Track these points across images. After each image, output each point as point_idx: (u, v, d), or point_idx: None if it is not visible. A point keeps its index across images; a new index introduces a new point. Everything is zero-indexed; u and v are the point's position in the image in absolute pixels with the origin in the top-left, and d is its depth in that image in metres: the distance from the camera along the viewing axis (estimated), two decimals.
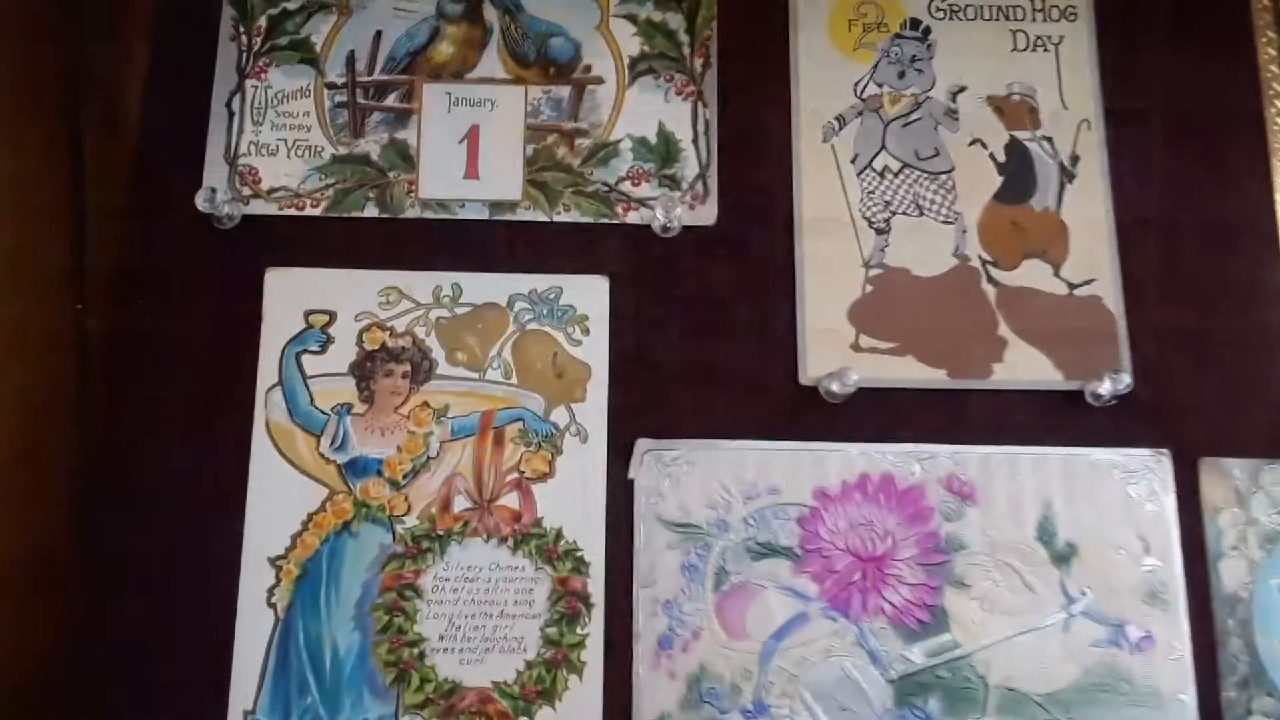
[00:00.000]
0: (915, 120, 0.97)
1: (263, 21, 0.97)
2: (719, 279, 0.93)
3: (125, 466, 0.87)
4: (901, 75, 0.98)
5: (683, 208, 0.93)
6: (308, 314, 0.90)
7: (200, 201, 0.89)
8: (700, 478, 0.87)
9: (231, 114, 0.95)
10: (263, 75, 0.96)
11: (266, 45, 0.96)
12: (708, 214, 0.94)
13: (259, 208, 0.93)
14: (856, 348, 0.91)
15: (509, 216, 0.93)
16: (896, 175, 0.96)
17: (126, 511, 0.86)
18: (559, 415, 0.89)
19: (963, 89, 0.98)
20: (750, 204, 0.95)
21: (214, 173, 0.93)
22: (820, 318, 0.92)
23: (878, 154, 0.96)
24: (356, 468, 0.87)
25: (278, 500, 0.86)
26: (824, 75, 0.98)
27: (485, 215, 0.93)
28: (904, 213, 0.95)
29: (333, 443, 0.87)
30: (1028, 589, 0.86)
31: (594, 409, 0.89)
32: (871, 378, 0.89)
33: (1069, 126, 0.97)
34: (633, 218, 0.94)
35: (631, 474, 0.87)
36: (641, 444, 0.88)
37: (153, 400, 0.88)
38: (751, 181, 0.95)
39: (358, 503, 0.86)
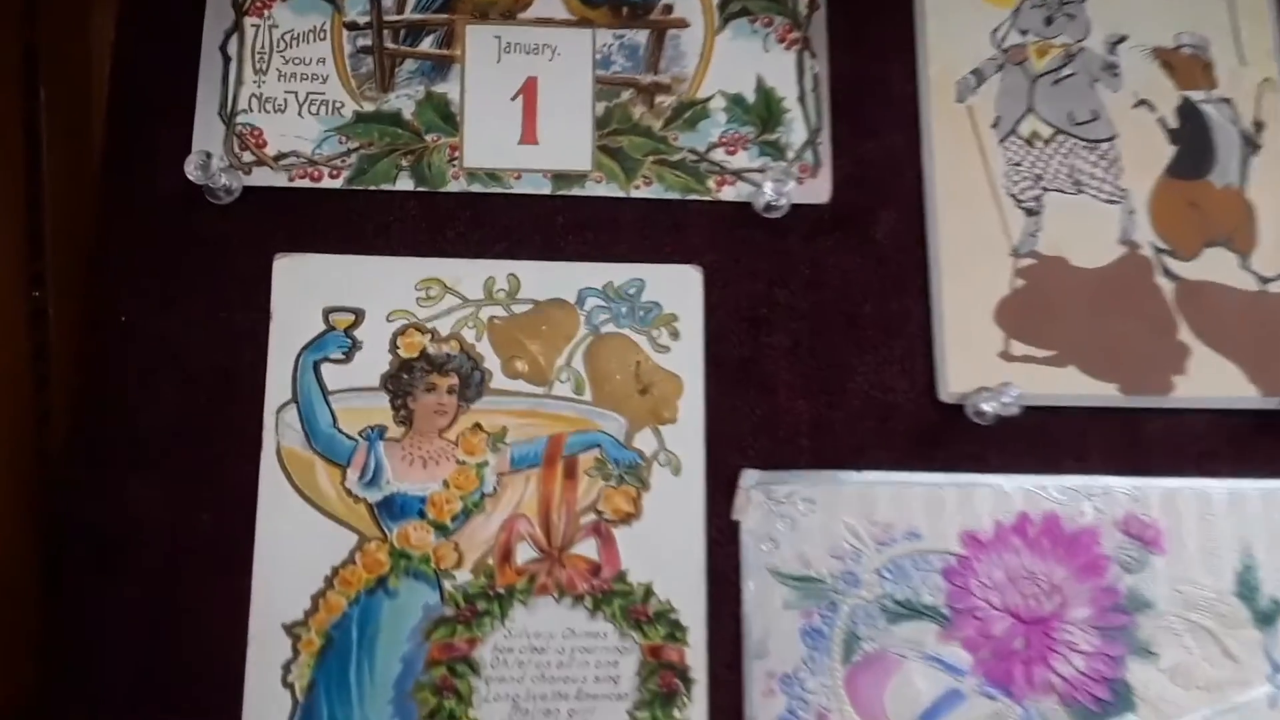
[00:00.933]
0: (1068, 76, 0.80)
1: None
2: (835, 270, 0.75)
3: (98, 511, 0.69)
4: (1049, 21, 0.81)
5: (791, 182, 0.75)
6: (328, 312, 0.72)
7: (190, 169, 0.70)
8: (822, 519, 0.70)
9: (227, 60, 0.76)
10: (266, 12, 0.77)
11: None
12: (819, 189, 0.76)
13: (264, 178, 0.74)
14: (1007, 356, 0.74)
15: (576, 191, 0.75)
16: (1048, 143, 0.78)
17: (101, 568, 0.68)
18: (644, 440, 0.71)
19: (1123, 39, 0.80)
20: (871, 177, 0.77)
21: (207, 134, 0.74)
22: (961, 319, 0.74)
23: (1024, 117, 0.79)
24: (393, 508, 0.69)
25: (294, 551, 0.68)
26: (956, 20, 0.80)
27: (547, 189, 0.75)
28: (1058, 189, 0.77)
29: (362, 476, 0.69)
30: (1228, 658, 0.69)
31: (688, 432, 0.71)
32: (1027, 394, 0.72)
33: (1249, 87, 0.80)
34: (728, 194, 0.76)
35: (736, 515, 0.70)
36: (748, 476, 0.71)
37: (132, 424, 0.70)
38: (872, 150, 0.78)
39: (395, 553, 0.68)
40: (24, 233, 0.78)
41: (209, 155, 0.71)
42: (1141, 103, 0.79)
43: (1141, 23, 0.81)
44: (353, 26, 0.77)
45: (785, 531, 0.70)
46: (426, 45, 0.77)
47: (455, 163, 0.75)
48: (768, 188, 0.75)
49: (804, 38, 0.79)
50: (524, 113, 0.76)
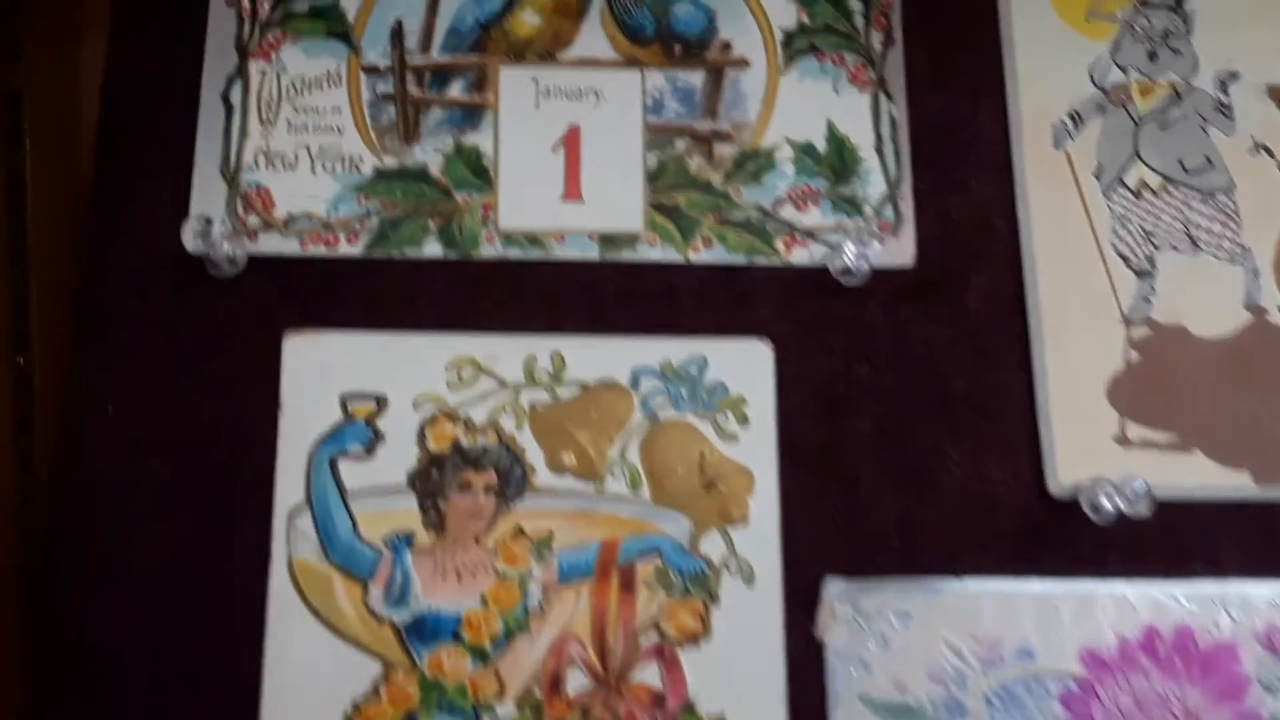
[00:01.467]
0: (1176, 119, 0.71)
1: None
2: (923, 341, 0.66)
3: (79, 627, 0.59)
4: (1152, 57, 0.72)
5: (871, 242, 0.66)
6: (346, 400, 0.63)
7: (188, 238, 0.61)
8: (919, 635, 0.61)
9: (230, 110, 0.67)
10: (274, 54, 0.68)
11: (279, 12, 0.68)
12: (902, 250, 0.67)
13: (272, 244, 0.65)
14: (1122, 441, 0.65)
15: (627, 256, 0.66)
16: (1158, 195, 0.69)
17: (83, 704, 0.58)
18: (711, 545, 0.62)
19: (1234, 76, 0.71)
20: (959, 235, 0.68)
21: (207, 194, 0.65)
22: (1069, 397, 0.65)
23: (1130, 164, 0.70)
24: (424, 630, 0.59)
25: (308, 681, 0.58)
26: (1049, 55, 0.71)
27: (594, 254, 0.66)
28: (1173, 246, 0.68)
29: (388, 593, 0.60)
30: None
31: (761, 535, 0.62)
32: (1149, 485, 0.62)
33: None
34: (799, 256, 0.67)
35: (820, 632, 0.61)
36: (832, 586, 0.61)
37: (119, 529, 0.61)
38: (959, 204, 0.68)
39: (426, 683, 0.59)
40: (7, 290, 0.69)
41: (209, 221, 0.62)
42: (1260, 148, 0.70)
43: (1254, 57, 0.72)
44: (372, 71, 0.68)
45: (877, 652, 0.60)
46: (455, 91, 0.68)
47: (490, 224, 0.66)
48: (845, 250, 0.66)
49: (879, 77, 0.70)
50: (566, 166, 0.67)
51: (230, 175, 0.66)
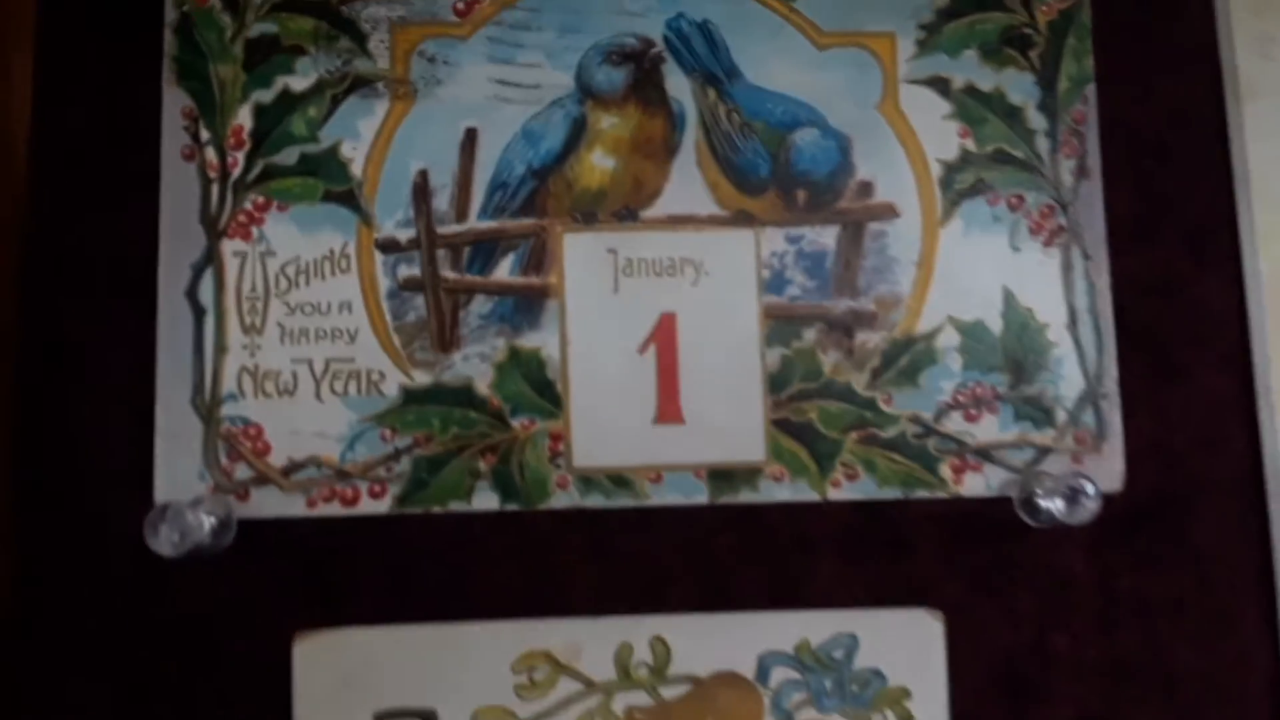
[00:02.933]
0: None
1: (245, 116, 0.50)
2: (1137, 598, 0.50)
3: None
4: None
5: (1064, 462, 0.50)
6: (380, 719, 0.47)
7: (157, 540, 0.44)
8: None
9: (199, 313, 0.49)
10: (256, 230, 0.49)
11: (257, 167, 0.50)
12: (1107, 471, 0.51)
13: (268, 504, 0.48)
14: None
15: (746, 497, 0.49)
16: None
17: None
18: None
19: None
20: (1183, 448, 0.51)
21: (175, 441, 0.48)
22: None
23: None
24: None
25: None
26: None
27: (703, 497, 0.49)
28: None
29: None
30: None
31: None
32: None
33: None
34: (972, 486, 0.50)
35: None
36: None
37: None
38: (1183, 403, 0.51)
39: None
40: None
41: (183, 512, 0.44)
42: None
43: None
44: (390, 247, 0.50)
45: None
46: (505, 270, 0.50)
47: (560, 462, 0.49)
48: (1034, 475, 0.49)
49: (1072, 226, 0.52)
50: (659, 373, 0.50)
51: (205, 408, 0.48)
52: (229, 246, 0.49)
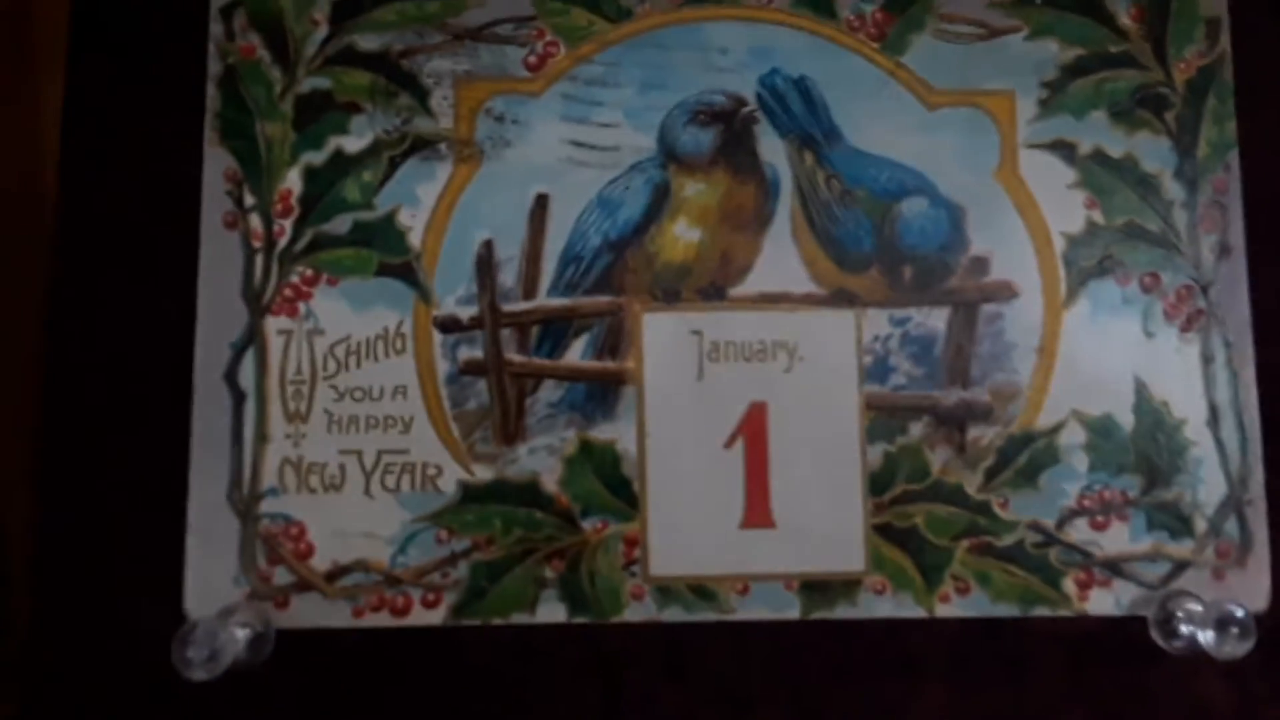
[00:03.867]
0: None
1: (293, 179, 0.45)
2: None
3: None
4: None
5: (1204, 577, 0.44)
6: None
7: (188, 665, 0.39)
8: None
9: (239, 397, 0.44)
10: (303, 306, 0.45)
11: (306, 235, 0.45)
12: (1253, 587, 0.45)
13: (310, 613, 0.43)
14: None
15: (844, 612, 0.44)
16: None
17: None
18: None
19: None
20: None
21: (208, 547, 0.43)
22: None
23: None
24: None
25: None
26: None
27: (794, 612, 0.44)
28: None
29: None
30: None
31: None
32: None
33: None
34: (1100, 603, 0.44)
35: None
36: None
37: None
38: None
39: None
40: None
41: (214, 631, 0.39)
42: None
43: None
44: (451, 326, 0.45)
45: None
46: (577, 354, 0.45)
47: (635, 569, 0.44)
48: (1170, 594, 0.43)
49: (1212, 308, 0.46)
50: (747, 471, 0.44)
51: (243, 505, 0.43)
52: (273, 324, 0.44)
